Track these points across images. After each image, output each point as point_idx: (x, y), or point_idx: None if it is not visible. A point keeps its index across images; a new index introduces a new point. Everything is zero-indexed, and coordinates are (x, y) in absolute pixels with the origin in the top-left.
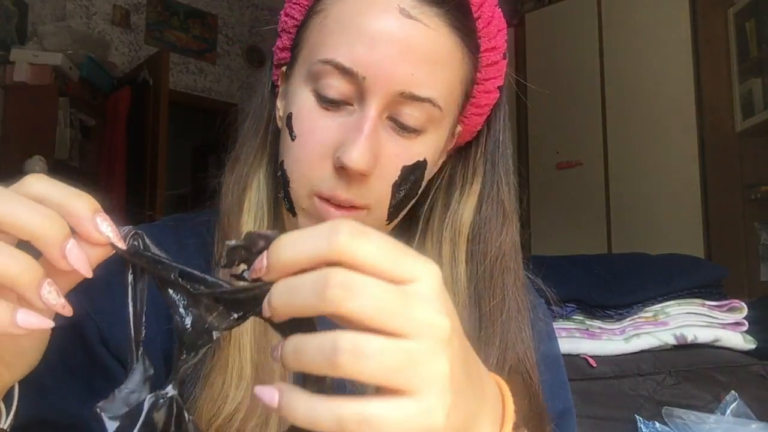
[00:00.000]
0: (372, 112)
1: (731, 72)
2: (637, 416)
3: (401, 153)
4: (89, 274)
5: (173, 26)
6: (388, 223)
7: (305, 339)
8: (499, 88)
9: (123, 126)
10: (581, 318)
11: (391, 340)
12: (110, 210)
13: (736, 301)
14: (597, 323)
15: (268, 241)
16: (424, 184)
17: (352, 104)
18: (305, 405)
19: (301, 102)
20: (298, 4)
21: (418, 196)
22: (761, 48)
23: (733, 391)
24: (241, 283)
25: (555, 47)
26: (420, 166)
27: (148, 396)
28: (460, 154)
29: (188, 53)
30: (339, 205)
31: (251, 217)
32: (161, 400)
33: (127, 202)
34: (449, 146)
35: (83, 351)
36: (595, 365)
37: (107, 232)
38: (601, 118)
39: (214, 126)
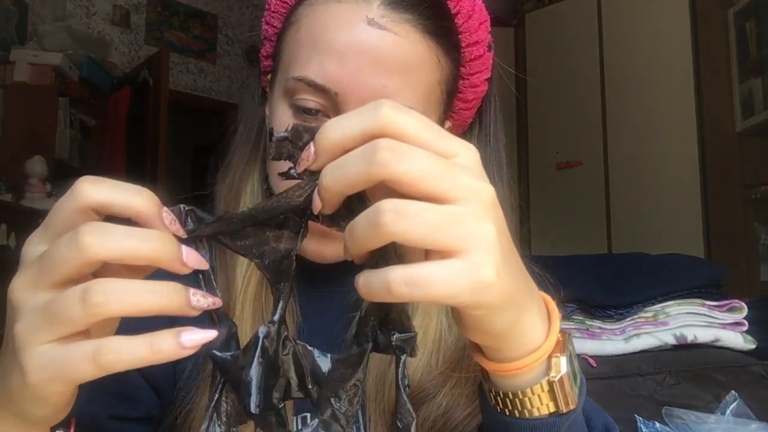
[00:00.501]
0: None
1: (731, 72)
2: (637, 416)
3: None
4: (206, 266)
5: (173, 26)
6: None
7: (357, 218)
8: (487, 80)
9: (123, 126)
10: (581, 318)
11: (435, 205)
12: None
13: (736, 301)
14: (597, 323)
15: (312, 133)
16: None
17: (329, 116)
18: (362, 278)
19: (279, 118)
20: (277, 13)
21: None
22: (761, 48)
23: (733, 391)
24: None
25: (555, 47)
26: None
27: (261, 327)
28: None
29: (188, 53)
30: None
31: None
32: (270, 328)
33: None
34: None
35: None
36: (595, 365)
37: (173, 228)
38: (601, 118)
39: (214, 126)
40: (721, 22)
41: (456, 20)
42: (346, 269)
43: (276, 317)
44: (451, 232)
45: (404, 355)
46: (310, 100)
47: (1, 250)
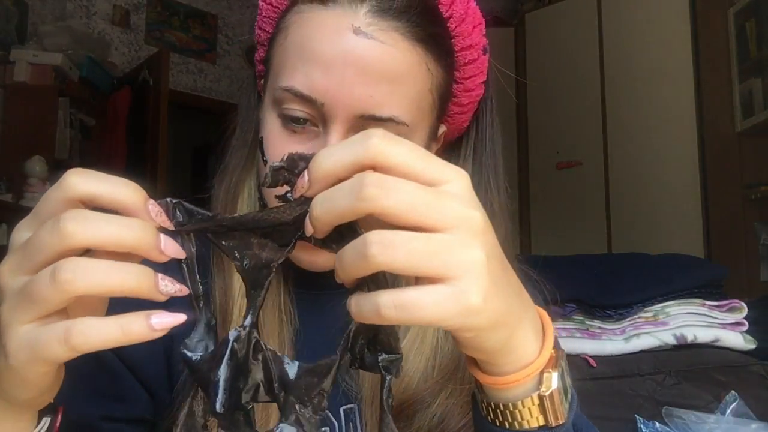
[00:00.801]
0: (333, 137)
1: (731, 72)
2: (637, 416)
3: None
4: (183, 255)
5: (173, 26)
6: None
7: (346, 248)
8: (483, 83)
9: (123, 126)
10: (581, 318)
11: (422, 234)
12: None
13: (736, 301)
14: (597, 323)
15: (307, 161)
16: None
17: (317, 125)
18: (353, 301)
19: (269, 126)
20: (268, 17)
21: None
22: (761, 48)
23: (733, 391)
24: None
25: (555, 47)
26: None
27: (231, 331)
28: (452, 149)
29: (188, 53)
30: None
31: None
32: (241, 333)
33: None
34: (436, 147)
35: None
36: (595, 365)
37: (159, 219)
38: (601, 118)
39: (215, 126)
40: (721, 22)
41: (448, 24)
42: None
43: (247, 322)
44: (438, 260)
45: (389, 376)
46: (298, 110)
47: (1, 250)
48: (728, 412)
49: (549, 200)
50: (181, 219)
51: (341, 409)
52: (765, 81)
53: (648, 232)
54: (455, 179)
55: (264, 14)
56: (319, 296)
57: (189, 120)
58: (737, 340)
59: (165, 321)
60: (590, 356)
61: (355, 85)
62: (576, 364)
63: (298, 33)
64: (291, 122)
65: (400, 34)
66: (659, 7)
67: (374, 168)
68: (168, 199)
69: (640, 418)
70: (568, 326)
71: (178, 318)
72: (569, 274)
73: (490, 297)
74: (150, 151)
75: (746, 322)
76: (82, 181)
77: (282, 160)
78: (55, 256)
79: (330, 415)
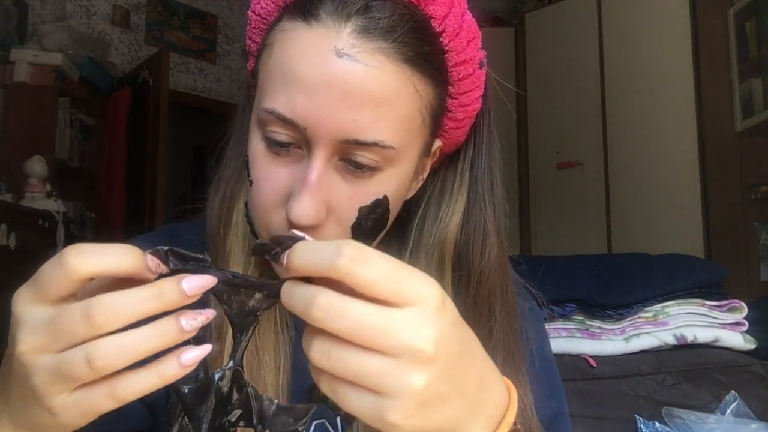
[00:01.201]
0: (317, 162)
1: (731, 72)
2: (637, 416)
3: (356, 195)
4: (206, 288)
5: (173, 26)
6: None
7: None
8: (479, 97)
9: (123, 126)
10: (581, 318)
11: (366, 350)
12: (110, 210)
13: (736, 301)
14: (597, 323)
15: (287, 246)
16: (394, 214)
17: (301, 148)
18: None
19: (254, 147)
20: (257, 29)
21: (388, 226)
22: (761, 48)
23: (733, 391)
24: (261, 279)
25: (555, 47)
26: (380, 204)
27: (216, 371)
28: (451, 160)
29: (188, 53)
30: None
31: (237, 239)
32: (225, 372)
33: (127, 202)
34: (432, 161)
35: None
36: (595, 365)
37: (159, 270)
38: (601, 118)
39: (215, 126)
40: (721, 22)
41: (441, 39)
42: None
43: (230, 364)
44: (373, 372)
45: (348, 425)
46: (281, 133)
47: (1, 250)
48: (728, 412)
49: (549, 200)
50: (173, 265)
51: (338, 419)
52: (765, 81)
53: (648, 232)
54: (420, 301)
55: (253, 25)
56: None
57: (189, 120)
58: (737, 340)
59: (195, 356)
60: (590, 356)
61: (338, 110)
62: (576, 364)
63: (281, 52)
64: (275, 145)
65: (386, 55)
66: (659, 7)
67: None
68: (159, 248)
69: (640, 418)
70: (568, 326)
71: (205, 349)
72: (569, 274)
73: (412, 418)
74: (150, 151)
75: (746, 322)
76: (82, 262)
77: (265, 241)
78: (87, 340)
79: (327, 424)
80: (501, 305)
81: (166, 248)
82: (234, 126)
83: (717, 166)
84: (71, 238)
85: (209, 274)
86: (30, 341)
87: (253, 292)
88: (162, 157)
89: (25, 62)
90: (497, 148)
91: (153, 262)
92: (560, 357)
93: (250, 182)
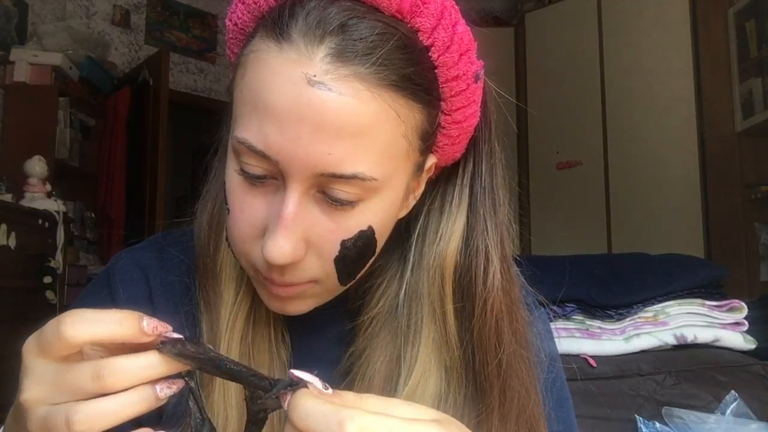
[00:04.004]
0: (292, 196)
1: (731, 72)
2: (637, 416)
3: (337, 228)
4: (166, 328)
5: (173, 26)
6: (346, 285)
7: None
8: (476, 111)
9: (123, 126)
10: (581, 318)
11: None
12: (110, 210)
13: (736, 301)
14: (597, 323)
15: (292, 385)
16: (383, 238)
17: (276, 178)
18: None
19: (230, 175)
20: (235, 39)
21: (377, 252)
22: (761, 48)
23: (733, 391)
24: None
25: (555, 47)
26: (364, 236)
27: None
28: (451, 172)
29: (188, 53)
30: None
31: (228, 257)
32: None
33: (127, 202)
34: (429, 175)
35: None
36: (595, 365)
37: (158, 332)
38: (601, 118)
39: (215, 126)
40: (721, 22)
41: (430, 54)
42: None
43: None
44: None
45: None
46: (255, 166)
47: (1, 250)
48: (728, 412)
49: (549, 200)
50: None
51: None
52: (765, 81)
53: (648, 232)
54: None
55: (231, 35)
56: (311, 317)
57: (189, 120)
58: (737, 340)
59: (170, 389)
60: (590, 356)
61: (312, 143)
62: (576, 364)
63: (252, 76)
64: (251, 177)
65: (363, 82)
66: (659, 7)
67: None
68: (172, 338)
69: (640, 418)
70: (568, 326)
71: (178, 383)
72: (569, 274)
73: None
74: (150, 151)
75: (746, 322)
76: (78, 331)
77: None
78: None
79: None
80: (510, 334)
81: (177, 337)
82: (221, 135)
83: (717, 166)
84: (71, 238)
85: (203, 360)
86: (33, 391)
87: (268, 395)
88: (162, 157)
89: (25, 62)
90: (500, 164)
91: (149, 326)
92: (560, 357)
93: (227, 211)
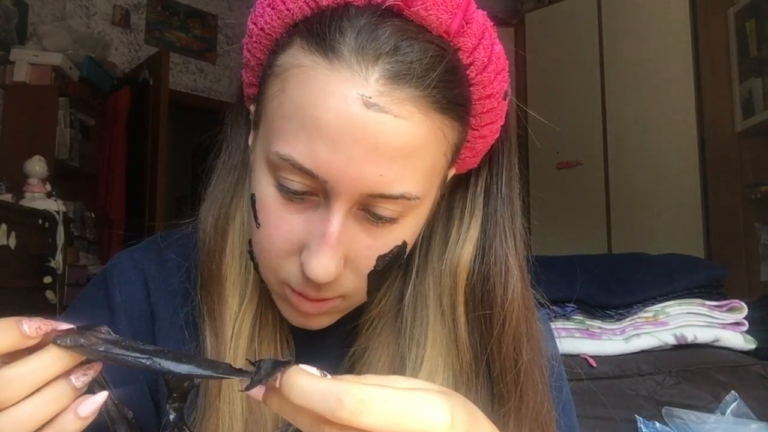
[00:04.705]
0: (337, 215)
1: (731, 72)
2: (637, 416)
3: (374, 244)
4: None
5: (173, 26)
6: (370, 297)
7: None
8: (501, 126)
9: (123, 126)
10: (581, 318)
11: None
12: (110, 210)
13: (736, 301)
14: (597, 323)
15: (280, 366)
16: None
17: (317, 195)
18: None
19: (263, 189)
20: (259, 44)
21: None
22: (761, 48)
23: (733, 391)
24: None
25: (555, 47)
26: (398, 250)
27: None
28: (460, 180)
29: (188, 53)
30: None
31: (234, 263)
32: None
33: (127, 202)
34: (444, 185)
35: None
36: (595, 365)
37: (40, 333)
38: (601, 118)
39: (215, 126)
40: (721, 22)
41: (468, 72)
42: None
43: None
44: None
45: None
46: (297, 182)
47: (1, 250)
48: (728, 412)
49: (549, 200)
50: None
51: None
52: (765, 81)
53: (648, 232)
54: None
55: (254, 39)
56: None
57: (189, 120)
58: (737, 340)
59: (90, 406)
60: (590, 356)
61: (364, 164)
62: (576, 364)
63: (299, 92)
64: (289, 193)
65: (416, 106)
66: (659, 7)
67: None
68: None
69: (640, 418)
70: (568, 326)
71: (101, 396)
72: (569, 274)
73: None
74: (150, 151)
75: (746, 322)
76: None
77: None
78: None
79: None
80: (527, 343)
81: (69, 327)
82: (225, 136)
83: (717, 166)
84: (71, 238)
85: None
86: None
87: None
88: (162, 157)
89: (25, 62)
90: (516, 177)
91: (31, 328)
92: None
93: (258, 225)
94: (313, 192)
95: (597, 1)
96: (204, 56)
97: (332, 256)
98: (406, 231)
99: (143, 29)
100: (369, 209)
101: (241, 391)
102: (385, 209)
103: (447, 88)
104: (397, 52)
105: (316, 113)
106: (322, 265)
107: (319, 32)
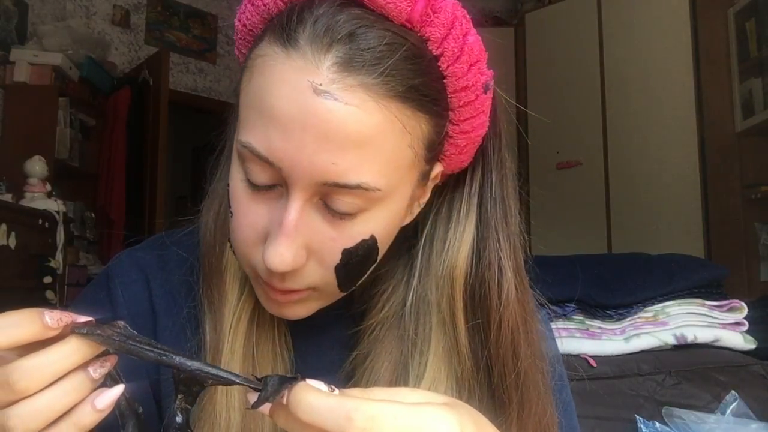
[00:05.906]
0: (294, 204)
1: (731, 72)
2: (637, 416)
3: (339, 237)
4: (69, 317)
5: (173, 26)
6: (346, 291)
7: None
8: (485, 121)
9: (123, 126)
10: (581, 318)
11: None
12: (110, 210)
13: (736, 301)
14: (597, 323)
15: (287, 383)
16: (386, 246)
17: (280, 185)
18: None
19: (234, 179)
20: (243, 40)
21: (378, 260)
22: (761, 48)
23: (733, 391)
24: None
25: (555, 47)
26: (365, 244)
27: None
28: (458, 180)
29: (188, 53)
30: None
31: (233, 258)
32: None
33: (128, 202)
34: (434, 183)
35: None
36: (595, 365)
37: (62, 324)
38: (601, 118)
39: (215, 126)
40: (721, 22)
41: (439, 64)
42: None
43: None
44: None
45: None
46: (258, 173)
47: (1, 250)
48: (728, 412)
49: (549, 200)
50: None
51: None
52: (765, 81)
53: (648, 232)
54: None
55: (240, 36)
56: (314, 319)
57: (189, 120)
58: (737, 340)
59: (107, 398)
60: (590, 356)
61: (316, 152)
62: (576, 364)
63: (259, 81)
64: (257, 188)
65: (369, 93)
66: (659, 7)
67: None
68: (83, 328)
69: (640, 418)
70: (568, 326)
71: (118, 389)
72: (569, 274)
73: None
74: (150, 151)
75: (746, 322)
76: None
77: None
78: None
79: None
80: (526, 347)
81: (88, 320)
82: (228, 133)
83: (717, 166)
84: (71, 238)
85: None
86: None
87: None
88: (162, 157)
89: (25, 62)
90: (510, 175)
91: (53, 319)
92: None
93: (231, 214)
94: (276, 182)
95: (597, 1)
96: (204, 56)
97: (289, 246)
98: (372, 225)
99: (143, 29)
100: (328, 201)
101: (248, 408)
102: (344, 201)
103: (406, 76)
104: (352, 39)
105: (271, 102)
106: (278, 253)
107: (282, 23)
